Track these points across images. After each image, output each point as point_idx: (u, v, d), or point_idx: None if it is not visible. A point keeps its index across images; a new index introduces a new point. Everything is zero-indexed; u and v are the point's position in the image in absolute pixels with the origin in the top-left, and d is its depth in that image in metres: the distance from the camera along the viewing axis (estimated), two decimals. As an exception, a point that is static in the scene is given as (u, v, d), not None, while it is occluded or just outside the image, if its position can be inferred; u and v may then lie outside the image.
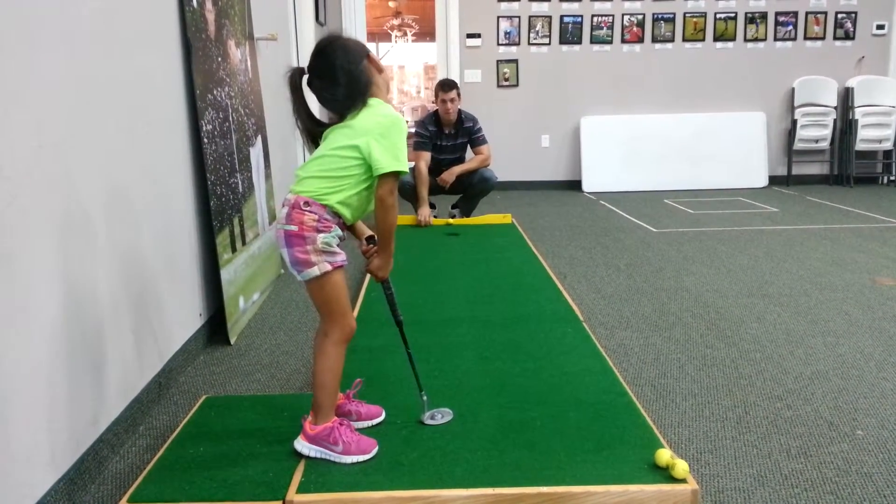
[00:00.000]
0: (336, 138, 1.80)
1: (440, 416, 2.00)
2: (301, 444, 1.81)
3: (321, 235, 1.74)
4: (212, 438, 1.95)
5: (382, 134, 1.74)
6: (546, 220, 5.68)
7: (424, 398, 2.00)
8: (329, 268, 1.76)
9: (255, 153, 3.62)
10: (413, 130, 4.91)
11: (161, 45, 2.57)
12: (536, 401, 2.14)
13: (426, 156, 5.10)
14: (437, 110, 5.12)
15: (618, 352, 2.78)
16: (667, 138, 7.27)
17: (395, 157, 1.75)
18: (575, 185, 7.38)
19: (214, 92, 3.01)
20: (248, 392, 2.47)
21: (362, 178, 1.78)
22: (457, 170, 5.13)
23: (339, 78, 1.78)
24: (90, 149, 1.97)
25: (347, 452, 1.78)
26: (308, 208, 1.74)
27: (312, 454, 1.80)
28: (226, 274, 2.93)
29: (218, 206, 2.92)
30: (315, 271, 1.75)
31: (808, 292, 3.55)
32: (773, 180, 7.43)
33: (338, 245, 1.79)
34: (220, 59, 3.12)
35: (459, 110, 5.11)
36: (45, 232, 1.73)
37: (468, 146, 5.26)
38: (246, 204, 3.33)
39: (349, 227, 1.90)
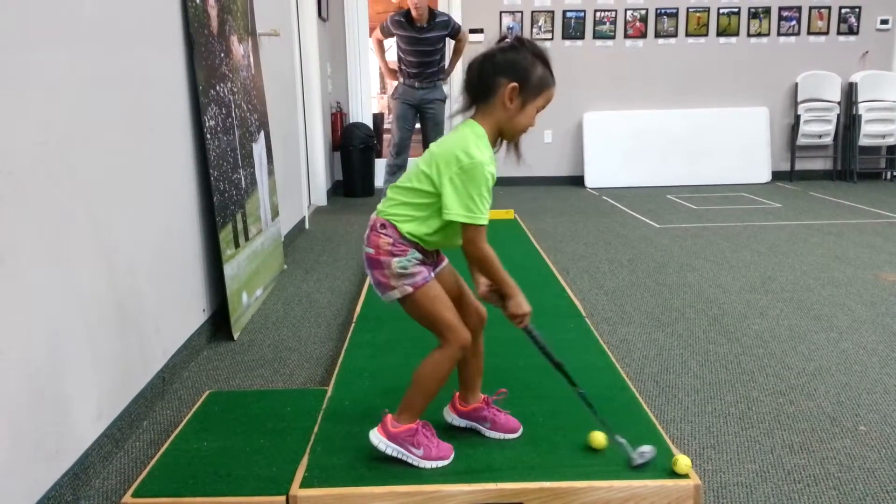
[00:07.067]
0: (423, 158, 1.70)
1: (649, 453, 1.72)
2: (379, 439, 1.73)
3: (395, 260, 1.66)
4: (215, 433, 1.96)
5: (459, 175, 1.61)
6: (548, 216, 5.68)
7: (621, 440, 1.74)
8: (410, 290, 1.68)
9: (258, 149, 3.62)
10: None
11: (164, 41, 2.57)
12: (539, 395, 2.14)
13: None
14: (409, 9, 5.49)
15: (620, 347, 2.78)
16: (670, 134, 7.25)
17: (467, 206, 1.60)
18: (577, 181, 7.38)
19: (217, 88, 3.01)
20: (252, 387, 2.47)
21: (439, 214, 1.65)
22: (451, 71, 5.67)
23: (482, 70, 1.65)
24: (93, 145, 1.98)
25: (427, 457, 1.73)
26: (384, 231, 1.68)
27: (389, 451, 1.72)
28: (229, 269, 2.93)
29: (221, 201, 2.92)
30: (396, 294, 1.69)
31: (811, 288, 3.55)
32: (777, 176, 7.41)
33: (419, 263, 1.69)
34: (222, 54, 3.12)
35: (430, 8, 5.41)
36: (47, 227, 1.73)
37: (447, 39, 5.56)
38: (249, 200, 3.34)
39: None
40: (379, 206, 1.74)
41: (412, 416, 1.75)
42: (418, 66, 5.49)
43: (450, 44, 5.67)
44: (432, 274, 1.74)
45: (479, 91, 1.67)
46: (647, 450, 1.72)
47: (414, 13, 5.39)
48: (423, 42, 5.43)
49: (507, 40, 1.67)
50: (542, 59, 1.67)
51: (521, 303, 1.73)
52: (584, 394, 1.81)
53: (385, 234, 1.68)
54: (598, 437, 1.78)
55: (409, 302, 1.71)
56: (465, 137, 1.65)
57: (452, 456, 1.77)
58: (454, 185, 1.61)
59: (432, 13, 5.43)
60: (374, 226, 1.70)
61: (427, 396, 1.76)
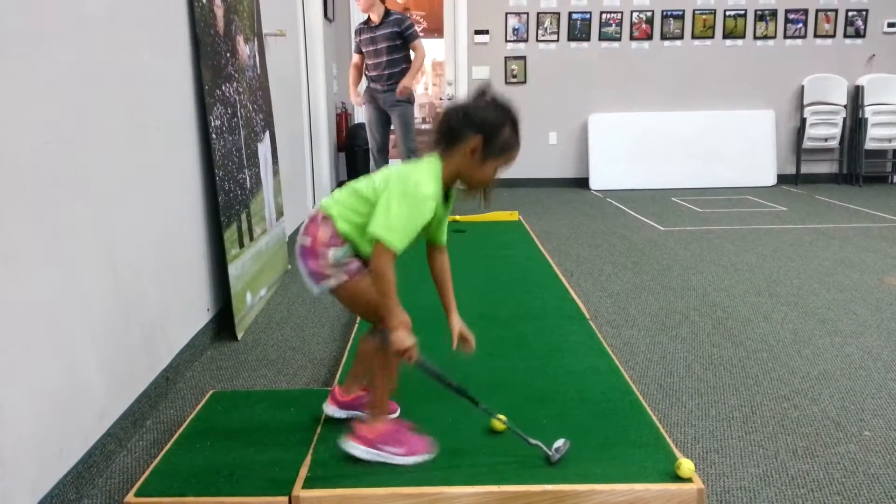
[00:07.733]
0: (382, 173, 1.76)
1: (563, 446, 1.78)
2: (356, 448, 1.75)
3: (332, 251, 1.73)
4: (218, 433, 1.96)
5: (398, 198, 1.63)
6: (553, 218, 5.67)
7: (535, 442, 1.78)
8: (345, 278, 1.74)
9: (264, 149, 3.62)
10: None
11: (170, 41, 2.57)
12: (541, 398, 2.14)
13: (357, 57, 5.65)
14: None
15: (624, 350, 2.77)
16: (675, 136, 7.24)
17: (390, 227, 1.61)
18: (582, 183, 7.37)
19: (223, 88, 3.02)
20: (255, 387, 2.48)
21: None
22: (407, 81, 5.42)
23: (453, 118, 1.71)
24: (98, 145, 1.98)
25: (411, 453, 1.76)
26: (324, 224, 1.74)
27: (370, 458, 1.74)
28: (233, 269, 2.94)
29: (226, 201, 2.93)
30: (331, 282, 1.75)
31: (816, 292, 3.54)
32: (782, 179, 7.39)
33: (354, 255, 1.75)
34: (228, 54, 3.13)
35: (388, 8, 5.41)
36: (51, 227, 1.73)
37: (402, 44, 5.45)
38: (254, 200, 3.34)
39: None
40: (323, 202, 1.79)
41: (382, 414, 1.81)
42: (375, 69, 5.46)
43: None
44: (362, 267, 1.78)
45: (447, 136, 1.72)
46: (559, 444, 1.78)
47: (361, 8, 5.41)
48: (376, 40, 5.40)
49: (486, 98, 1.74)
50: (513, 122, 1.74)
51: (402, 337, 1.64)
52: (488, 409, 1.85)
53: (325, 228, 1.74)
54: (496, 423, 1.87)
55: (345, 290, 1.76)
56: (420, 169, 1.71)
57: (433, 449, 1.79)
58: (389, 203, 1.64)
59: (388, 13, 5.42)
60: (315, 218, 1.76)
61: (384, 390, 1.80)
